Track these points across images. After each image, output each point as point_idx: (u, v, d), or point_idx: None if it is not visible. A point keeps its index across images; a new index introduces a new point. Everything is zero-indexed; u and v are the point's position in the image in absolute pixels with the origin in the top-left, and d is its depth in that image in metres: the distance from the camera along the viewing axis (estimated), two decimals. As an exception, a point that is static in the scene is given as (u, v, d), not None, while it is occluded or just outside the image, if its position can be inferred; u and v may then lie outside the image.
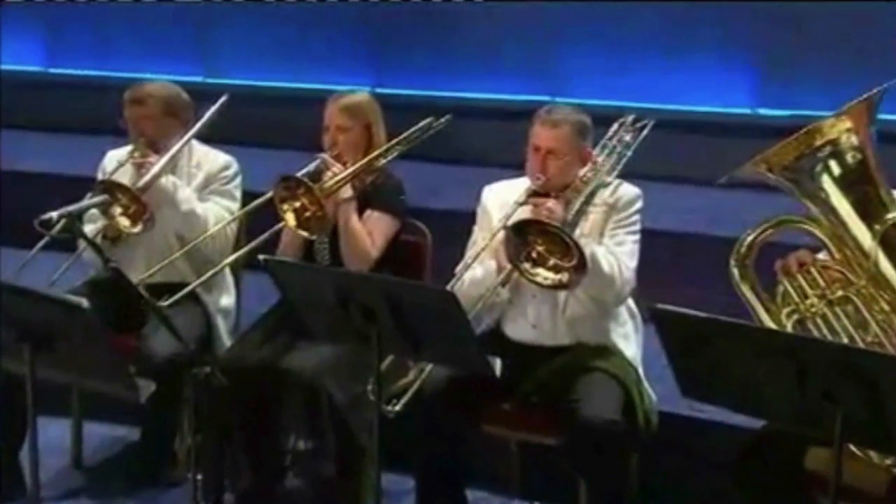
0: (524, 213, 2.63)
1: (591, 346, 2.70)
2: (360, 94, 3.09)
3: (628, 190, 2.76)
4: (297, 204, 2.80)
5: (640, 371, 2.73)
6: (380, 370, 2.37)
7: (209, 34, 5.20)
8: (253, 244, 2.89)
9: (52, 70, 5.51)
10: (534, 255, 2.51)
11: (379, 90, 4.37)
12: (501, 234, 2.59)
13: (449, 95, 4.68)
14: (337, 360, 2.81)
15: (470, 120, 3.96)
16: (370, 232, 2.94)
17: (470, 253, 2.72)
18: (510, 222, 2.53)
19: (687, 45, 4.39)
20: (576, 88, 4.46)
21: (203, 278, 2.90)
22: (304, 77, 4.89)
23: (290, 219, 2.80)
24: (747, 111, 4.36)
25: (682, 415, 2.84)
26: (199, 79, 5.03)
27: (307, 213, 2.80)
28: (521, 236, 2.48)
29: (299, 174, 2.81)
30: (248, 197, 3.07)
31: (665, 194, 3.70)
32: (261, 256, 2.45)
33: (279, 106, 4.92)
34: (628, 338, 2.76)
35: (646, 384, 2.73)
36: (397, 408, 2.47)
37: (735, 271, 2.42)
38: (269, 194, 2.81)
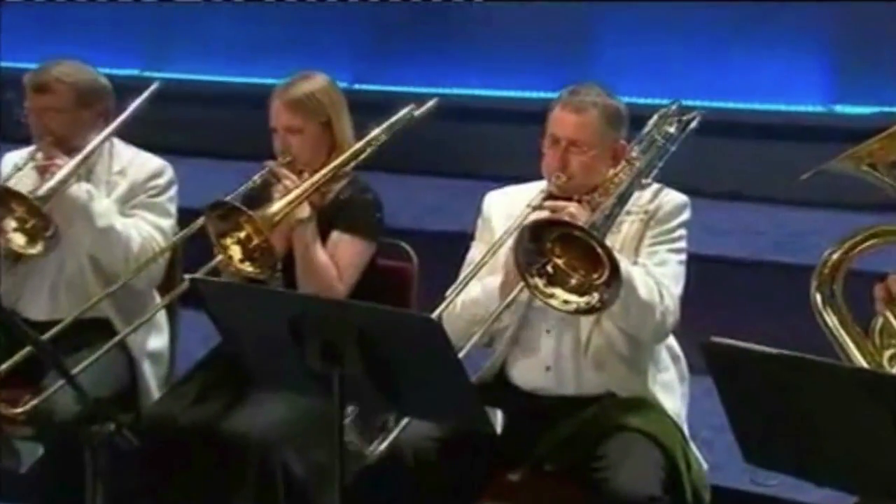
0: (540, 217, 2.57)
1: (622, 398, 2.66)
2: (313, 81, 2.98)
3: (672, 197, 2.71)
4: (242, 234, 2.74)
5: (686, 431, 2.68)
6: (342, 429, 2.27)
7: (147, 15, 5.19)
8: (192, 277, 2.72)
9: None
10: (550, 269, 2.44)
11: (358, 86, 4.30)
12: (508, 244, 2.53)
13: (452, 93, 4.68)
14: (295, 417, 2.76)
15: (480, 123, 4.07)
16: (336, 261, 2.88)
17: (466, 271, 2.68)
18: (524, 223, 2.48)
19: (743, 30, 4.44)
20: (608, 83, 4.44)
21: (132, 328, 2.87)
22: (263, 71, 4.78)
23: (235, 253, 2.74)
24: (821, 109, 4.36)
25: (742, 490, 2.85)
26: (134, 71, 5.02)
27: (252, 244, 2.74)
28: (537, 241, 2.42)
29: (235, 195, 2.77)
30: (187, 215, 3.05)
31: (721, 212, 3.78)
32: (187, 276, 2.39)
33: (231, 106, 4.89)
34: (671, 388, 2.72)
35: (694, 448, 2.68)
36: (382, 446, 2.41)
37: (818, 296, 2.32)
38: (199, 223, 2.79)
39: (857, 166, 2.31)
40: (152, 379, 3.11)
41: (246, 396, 2.83)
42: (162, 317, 3.18)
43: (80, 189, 3.00)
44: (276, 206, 2.77)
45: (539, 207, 2.61)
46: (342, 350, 2.19)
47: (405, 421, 2.47)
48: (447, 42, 4.87)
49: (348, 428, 2.33)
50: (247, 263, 2.75)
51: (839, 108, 4.31)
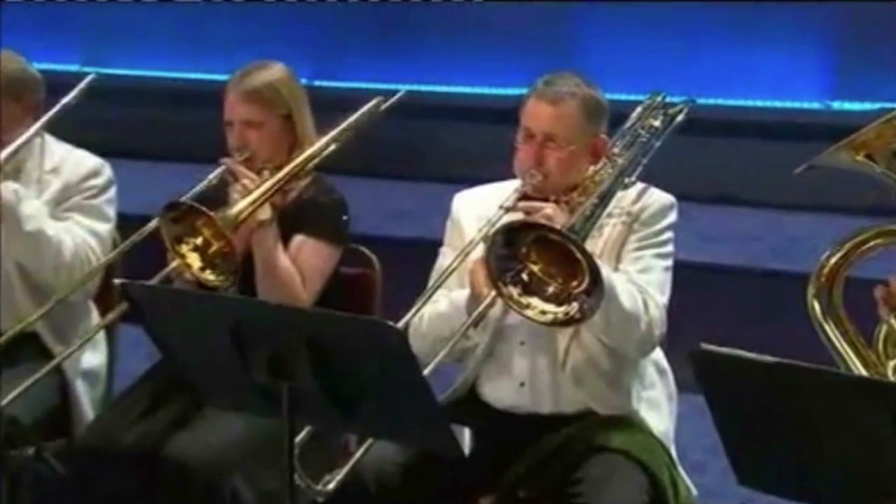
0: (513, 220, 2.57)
1: (603, 416, 2.64)
2: (272, 71, 2.97)
3: (658, 197, 2.70)
4: (199, 240, 2.72)
5: (674, 453, 2.66)
6: (292, 451, 2.23)
7: (87, 7, 5.18)
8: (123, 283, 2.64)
9: None
10: (525, 277, 2.43)
11: (319, 83, 4.29)
12: (478, 251, 2.51)
13: (421, 90, 4.65)
14: (245, 439, 2.73)
15: (449, 122, 4.14)
16: (299, 267, 2.87)
17: (433, 280, 2.66)
18: (496, 227, 2.47)
19: (738, 23, 4.47)
20: (592, 77, 4.52)
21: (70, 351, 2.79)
22: (213, 68, 4.80)
23: (193, 261, 2.72)
24: (817, 106, 4.37)
25: (737, 517, 2.77)
26: (73, 67, 4.99)
27: (211, 250, 2.73)
28: (511, 246, 2.41)
29: (190, 195, 2.75)
30: (127, 223, 3.04)
31: (713, 217, 3.84)
32: (117, 280, 2.39)
33: (178, 104, 4.90)
34: (657, 405, 2.70)
35: (682, 472, 2.66)
36: (330, 486, 2.37)
37: (816, 304, 2.33)
38: (154, 224, 2.76)
39: (853, 158, 2.30)
40: (87, 401, 3.05)
41: (193, 415, 2.80)
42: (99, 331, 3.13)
43: (6, 189, 2.94)
44: (238, 206, 2.74)
45: (513, 209, 2.59)
46: (291, 362, 2.15)
47: (367, 444, 2.46)
48: (414, 34, 4.88)
49: (301, 454, 2.29)
50: (207, 272, 2.73)
51: (837, 105, 4.39)
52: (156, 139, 4.71)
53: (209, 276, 2.72)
